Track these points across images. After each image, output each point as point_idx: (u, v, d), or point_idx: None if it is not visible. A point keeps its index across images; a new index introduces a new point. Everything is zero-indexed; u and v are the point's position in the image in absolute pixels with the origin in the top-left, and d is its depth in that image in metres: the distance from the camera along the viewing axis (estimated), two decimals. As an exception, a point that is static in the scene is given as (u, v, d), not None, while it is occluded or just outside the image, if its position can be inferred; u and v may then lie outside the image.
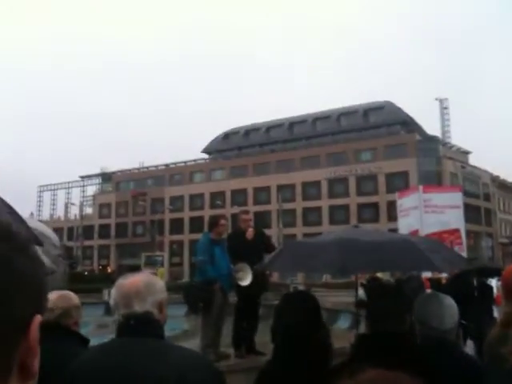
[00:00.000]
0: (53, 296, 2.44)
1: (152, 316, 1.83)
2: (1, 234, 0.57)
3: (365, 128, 68.76)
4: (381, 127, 67.58)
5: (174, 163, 79.26)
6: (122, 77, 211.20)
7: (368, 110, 70.33)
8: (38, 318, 0.59)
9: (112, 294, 1.89)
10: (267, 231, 7.67)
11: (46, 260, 2.98)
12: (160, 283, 1.94)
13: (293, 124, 75.08)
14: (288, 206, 61.81)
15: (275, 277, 44.76)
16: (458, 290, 6.63)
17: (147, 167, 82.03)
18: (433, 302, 2.59)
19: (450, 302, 2.59)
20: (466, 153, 69.78)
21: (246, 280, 6.25)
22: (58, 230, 58.71)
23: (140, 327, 1.80)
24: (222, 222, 6.59)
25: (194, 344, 6.70)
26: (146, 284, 1.86)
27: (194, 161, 79.07)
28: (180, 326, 11.75)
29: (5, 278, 0.55)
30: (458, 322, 2.59)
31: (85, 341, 2.45)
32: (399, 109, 69.21)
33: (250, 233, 6.56)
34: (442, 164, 59.30)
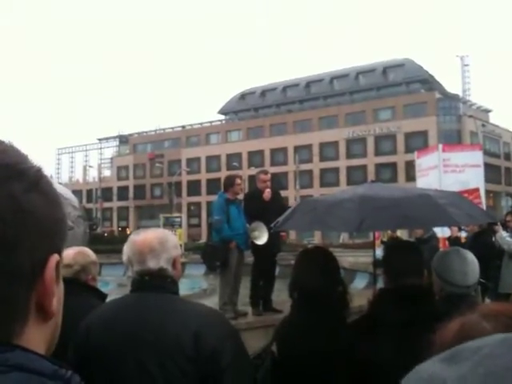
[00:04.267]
0: (70, 252, 2.48)
1: (166, 272, 1.82)
2: (11, 172, 0.55)
3: (384, 86, 67.44)
4: (400, 85, 66.20)
5: (191, 125, 79.03)
6: (139, 39, 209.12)
7: (387, 68, 68.80)
8: (55, 258, 0.58)
9: (125, 251, 1.88)
10: (284, 193, 7.65)
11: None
12: (173, 239, 1.92)
13: (310, 83, 73.88)
14: (305, 166, 61.57)
15: (292, 237, 45.13)
16: (477, 248, 6.58)
17: (164, 129, 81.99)
18: (455, 258, 2.55)
19: (472, 258, 2.56)
20: (487, 111, 68.27)
21: (262, 239, 6.27)
22: (77, 193, 59.51)
23: (154, 283, 1.81)
24: (238, 181, 6.57)
25: (212, 302, 6.81)
26: (159, 241, 1.84)
27: (210, 122, 78.71)
28: (199, 285, 11.98)
29: (15, 220, 0.54)
30: (478, 279, 2.56)
31: (102, 296, 2.49)
32: (419, 66, 67.53)
33: (267, 193, 6.52)
34: (463, 122, 58.14)
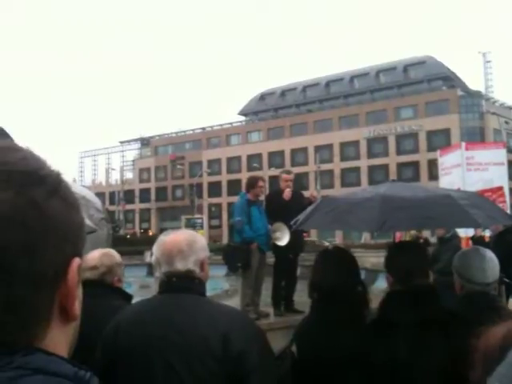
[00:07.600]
0: (96, 254, 2.51)
1: (194, 274, 1.84)
2: (32, 178, 0.56)
3: (405, 84, 66.76)
4: (421, 83, 65.46)
5: (211, 126, 79.34)
6: (160, 42, 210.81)
7: (408, 66, 68.06)
8: (77, 261, 0.59)
9: (153, 251, 1.90)
10: (305, 193, 7.64)
11: (88, 222, 3.05)
12: (202, 241, 1.94)
13: (330, 82, 73.52)
14: (326, 166, 61.26)
15: (313, 238, 44.96)
16: (501, 247, 6.48)
17: (185, 131, 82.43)
18: (474, 255, 2.56)
19: (491, 256, 2.55)
20: (510, 108, 67.03)
21: (284, 240, 6.27)
22: (99, 195, 60.00)
23: (182, 285, 1.83)
24: (260, 183, 6.59)
25: (234, 303, 6.84)
26: (188, 242, 1.86)
27: (231, 123, 78.89)
28: (221, 286, 12.00)
29: (38, 225, 0.55)
30: (498, 276, 2.55)
31: (128, 297, 2.53)
32: (441, 63, 66.67)
33: (287, 193, 6.53)
34: (485, 120, 57.20)
